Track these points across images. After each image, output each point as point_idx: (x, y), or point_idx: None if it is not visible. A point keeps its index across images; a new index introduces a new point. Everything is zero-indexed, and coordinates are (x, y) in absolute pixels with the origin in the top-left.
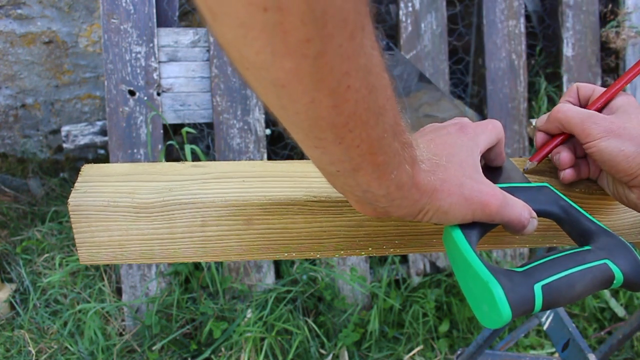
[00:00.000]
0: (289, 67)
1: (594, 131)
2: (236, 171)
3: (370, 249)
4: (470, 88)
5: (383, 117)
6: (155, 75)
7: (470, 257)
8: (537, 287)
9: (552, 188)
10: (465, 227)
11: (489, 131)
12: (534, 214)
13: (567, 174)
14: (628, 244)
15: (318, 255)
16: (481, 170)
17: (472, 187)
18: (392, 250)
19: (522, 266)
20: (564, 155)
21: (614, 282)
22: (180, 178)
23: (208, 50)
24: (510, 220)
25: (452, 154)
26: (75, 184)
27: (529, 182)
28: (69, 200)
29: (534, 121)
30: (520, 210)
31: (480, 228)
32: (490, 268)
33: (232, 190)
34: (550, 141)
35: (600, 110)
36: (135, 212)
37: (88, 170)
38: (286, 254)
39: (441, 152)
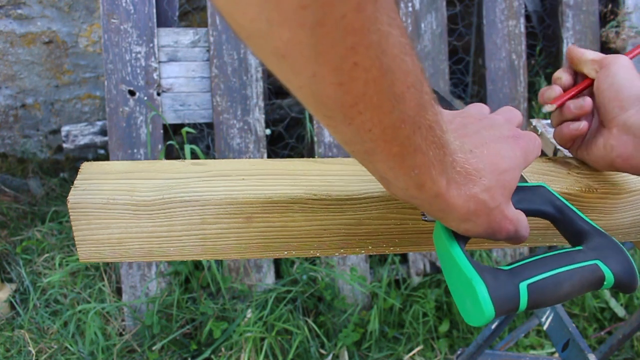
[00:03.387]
0: (286, 36)
1: (608, 59)
2: (236, 169)
3: (370, 247)
4: (470, 88)
5: (401, 106)
6: (155, 75)
7: (456, 254)
8: (523, 286)
9: (548, 188)
10: None
11: (537, 149)
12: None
13: (584, 125)
14: (621, 245)
15: (318, 254)
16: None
17: (502, 214)
18: (391, 248)
19: (509, 264)
20: (588, 100)
21: (604, 283)
22: (180, 176)
23: (208, 50)
24: (511, 240)
25: (498, 169)
26: (75, 182)
27: (527, 182)
28: (69, 197)
29: (534, 121)
30: (524, 232)
31: None
32: (475, 265)
33: (232, 188)
34: (572, 89)
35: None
36: (135, 210)
37: (87, 168)
38: (286, 252)
39: (485, 165)
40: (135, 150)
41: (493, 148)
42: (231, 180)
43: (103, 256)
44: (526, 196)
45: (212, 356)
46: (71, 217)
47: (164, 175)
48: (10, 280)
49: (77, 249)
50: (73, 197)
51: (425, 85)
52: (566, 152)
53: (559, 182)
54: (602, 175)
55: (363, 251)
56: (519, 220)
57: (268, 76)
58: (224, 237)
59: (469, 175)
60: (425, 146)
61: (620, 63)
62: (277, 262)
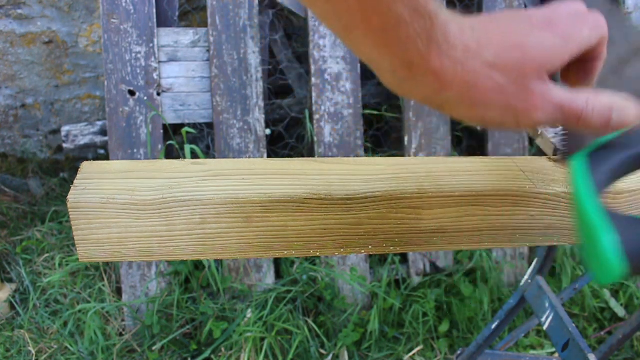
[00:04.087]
0: None
1: None
2: (236, 168)
3: (370, 247)
4: None
5: None
6: (155, 75)
7: (583, 195)
8: None
9: None
10: (596, 156)
11: (594, 32)
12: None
13: None
14: None
15: (318, 254)
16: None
17: (525, 89)
18: (392, 248)
19: None
20: None
21: None
22: (180, 175)
23: (208, 50)
24: (572, 122)
25: (510, 43)
26: (75, 181)
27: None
28: (68, 197)
29: None
30: (587, 106)
31: (619, 160)
32: (607, 212)
33: (232, 187)
34: None
35: None
36: (135, 210)
37: (87, 168)
38: (286, 252)
39: (490, 38)
40: (135, 150)
41: (506, 26)
42: (231, 179)
43: (103, 256)
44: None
45: (212, 356)
46: (71, 216)
47: (164, 174)
48: (10, 280)
49: (77, 249)
50: (73, 196)
51: None
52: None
53: (559, 182)
54: None
55: (363, 251)
56: (580, 93)
57: (268, 76)
58: (225, 237)
59: (466, 48)
60: (409, 16)
61: None
62: (277, 262)
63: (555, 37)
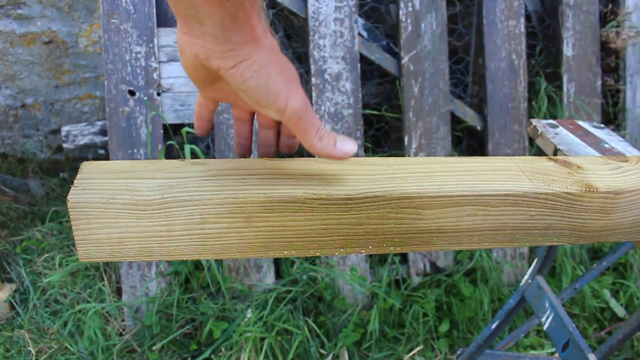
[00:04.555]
0: None
1: None
2: (236, 168)
3: (370, 247)
4: (470, 88)
5: None
6: (155, 75)
7: None
8: None
9: None
10: None
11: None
12: (350, 146)
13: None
14: None
15: (318, 253)
16: None
17: (293, 71)
18: (392, 248)
19: None
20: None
21: None
22: (180, 175)
23: None
24: (305, 128)
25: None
26: (75, 181)
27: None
28: (68, 197)
29: (534, 121)
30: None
31: None
32: None
33: (232, 187)
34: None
35: None
36: (135, 210)
37: (87, 167)
38: (286, 252)
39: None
40: (135, 150)
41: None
42: (231, 179)
43: (103, 256)
44: None
45: (212, 356)
46: (71, 216)
47: (164, 174)
48: (10, 280)
49: (77, 249)
50: (73, 196)
51: None
52: (566, 152)
53: (559, 182)
54: (602, 175)
55: (363, 251)
56: (306, 100)
57: None
58: (225, 237)
59: (269, 30)
60: None
61: None
62: (277, 262)
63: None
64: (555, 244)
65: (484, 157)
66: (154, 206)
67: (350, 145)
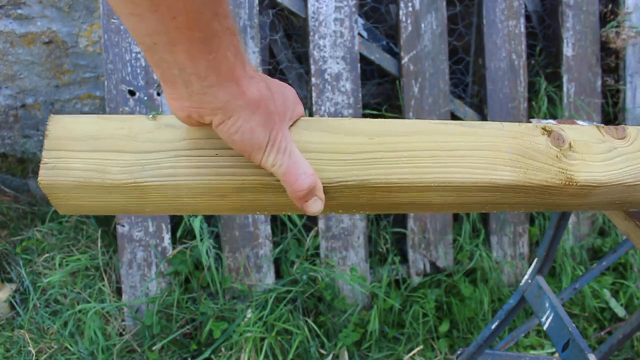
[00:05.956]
0: None
1: None
2: (208, 138)
3: (340, 211)
4: (470, 88)
5: None
6: (155, 75)
7: None
8: None
9: None
10: None
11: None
12: (319, 195)
13: None
14: None
15: (289, 213)
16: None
17: (280, 121)
18: (360, 212)
19: None
20: None
21: None
22: (152, 148)
23: None
24: (286, 176)
25: (281, 91)
26: (43, 154)
27: None
28: (39, 178)
29: (534, 121)
30: (303, 171)
31: None
32: None
33: (206, 169)
34: None
35: None
36: (107, 192)
37: (54, 130)
38: (259, 212)
39: (268, 81)
40: None
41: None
42: (205, 157)
43: (82, 211)
44: None
45: (212, 356)
46: (46, 194)
47: (135, 145)
48: (10, 280)
49: (56, 208)
50: (43, 178)
51: None
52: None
53: (542, 171)
54: (590, 162)
55: (333, 212)
56: (293, 148)
57: (268, 76)
58: (200, 207)
59: (256, 74)
60: (222, 31)
61: None
62: (277, 262)
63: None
64: (522, 211)
65: (475, 128)
66: (126, 188)
67: (317, 208)
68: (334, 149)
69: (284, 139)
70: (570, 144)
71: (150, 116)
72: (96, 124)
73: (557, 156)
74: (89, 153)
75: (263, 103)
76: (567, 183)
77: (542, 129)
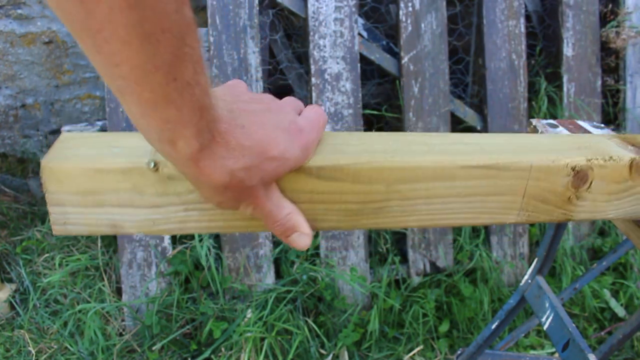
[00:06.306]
0: None
1: None
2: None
3: None
4: (470, 88)
5: (152, 49)
6: None
7: None
8: None
9: None
10: None
11: (317, 139)
12: (305, 229)
13: None
14: None
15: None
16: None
17: (258, 195)
18: None
19: None
20: None
21: None
22: (161, 202)
23: (208, 50)
24: (286, 229)
25: (266, 154)
26: (49, 209)
27: None
28: (54, 232)
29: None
30: (294, 221)
31: None
32: None
33: (217, 222)
34: None
35: None
36: (118, 236)
37: (50, 185)
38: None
39: (252, 144)
40: None
41: (270, 133)
42: (216, 211)
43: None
44: None
45: (212, 356)
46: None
47: (142, 200)
48: (10, 280)
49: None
50: (57, 231)
51: (190, 39)
52: None
53: (547, 214)
54: (600, 202)
55: None
56: (285, 207)
57: (268, 76)
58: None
59: (229, 149)
60: (181, 102)
61: None
62: (277, 262)
63: (300, 149)
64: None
65: (500, 171)
66: (138, 235)
67: (303, 243)
68: (339, 199)
69: (260, 202)
70: (590, 183)
71: (152, 166)
72: (92, 180)
73: (569, 198)
74: (96, 208)
75: (233, 186)
76: (566, 218)
77: (572, 169)
